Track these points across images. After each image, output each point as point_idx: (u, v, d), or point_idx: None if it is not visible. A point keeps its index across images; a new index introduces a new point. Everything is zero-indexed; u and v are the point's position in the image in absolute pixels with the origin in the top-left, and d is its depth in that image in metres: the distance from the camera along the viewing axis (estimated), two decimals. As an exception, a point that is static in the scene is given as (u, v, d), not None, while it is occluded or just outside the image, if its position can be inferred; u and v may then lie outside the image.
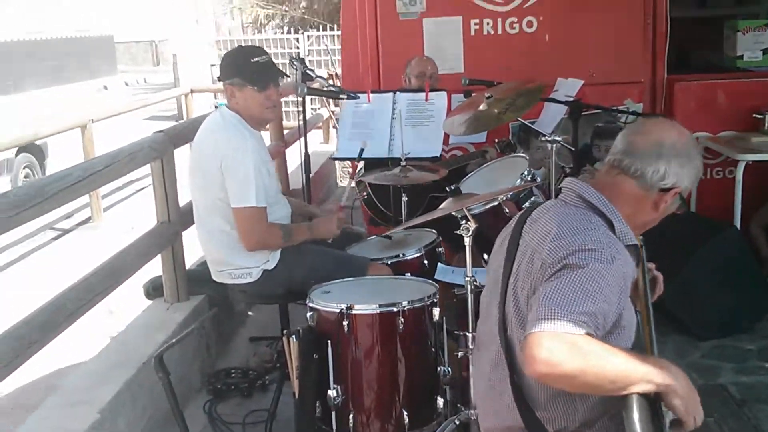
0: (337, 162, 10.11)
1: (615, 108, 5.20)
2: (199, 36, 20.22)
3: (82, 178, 3.28)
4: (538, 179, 4.06)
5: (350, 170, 10.34)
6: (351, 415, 3.25)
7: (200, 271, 4.80)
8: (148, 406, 3.71)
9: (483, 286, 3.20)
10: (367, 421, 3.29)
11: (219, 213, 3.78)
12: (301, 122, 4.58)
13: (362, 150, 4.47)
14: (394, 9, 5.87)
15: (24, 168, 10.22)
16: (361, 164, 5.28)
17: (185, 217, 4.44)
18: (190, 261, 4.81)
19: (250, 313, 5.40)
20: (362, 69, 5.99)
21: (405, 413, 3.23)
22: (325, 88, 4.62)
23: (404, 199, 4.33)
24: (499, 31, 5.86)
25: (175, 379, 3.89)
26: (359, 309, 3.22)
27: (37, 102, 21.87)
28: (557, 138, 4.16)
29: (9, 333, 2.84)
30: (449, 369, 3.37)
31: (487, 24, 5.86)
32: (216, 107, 13.30)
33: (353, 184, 4.54)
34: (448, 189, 3.31)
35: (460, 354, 3.42)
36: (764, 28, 6.03)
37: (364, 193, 5.00)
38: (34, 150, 10.37)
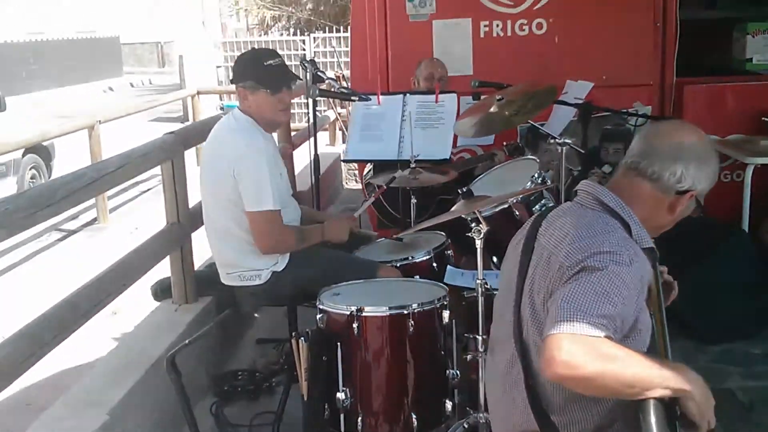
0: (343, 164, 10.14)
1: (625, 111, 5.18)
2: (205, 37, 20.20)
3: (95, 179, 3.28)
4: (549, 182, 4.04)
5: (356, 172, 10.38)
6: (359, 418, 3.25)
7: (208, 272, 4.80)
8: (155, 408, 3.71)
9: (494, 289, 3.24)
10: (376, 424, 3.29)
11: (229, 215, 3.78)
12: (310, 124, 4.58)
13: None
14: (404, 11, 5.86)
15: (30, 169, 10.22)
16: (369, 166, 5.29)
17: (194, 219, 4.44)
18: (198, 263, 4.81)
19: (256, 315, 5.39)
20: (371, 71, 5.98)
21: (414, 416, 3.23)
22: (337, 90, 4.61)
23: (413, 201, 4.32)
24: (509, 33, 5.85)
25: (182, 381, 3.91)
26: (369, 311, 3.22)
27: (43, 103, 22.00)
28: (567, 140, 4.15)
29: (23, 332, 2.84)
30: (458, 372, 3.37)
31: (497, 26, 5.85)
32: (222, 109, 13.34)
33: (370, 201, 4.53)
34: (459, 191, 3.30)
35: (469, 357, 3.43)
36: (774, 30, 6.02)
37: (374, 195, 4.98)
38: (41, 151, 10.38)
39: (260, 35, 20.44)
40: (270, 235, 3.74)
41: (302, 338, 3.36)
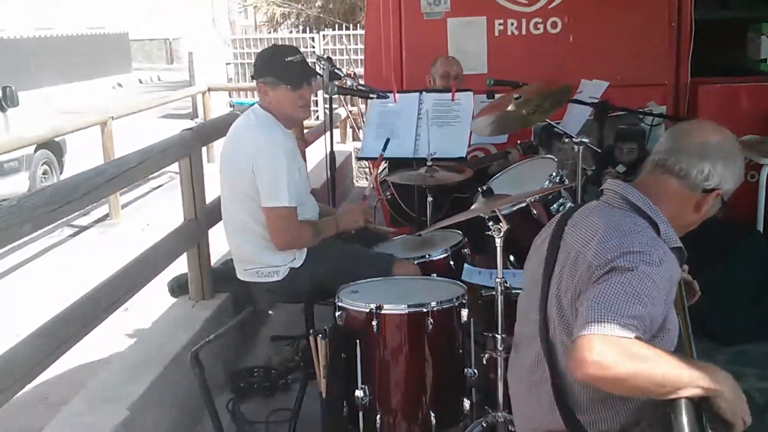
0: (354, 162, 10.15)
1: (641, 110, 5.18)
2: (215, 35, 20.24)
3: (116, 174, 3.30)
4: (566, 181, 4.05)
5: (367, 170, 10.38)
6: (378, 416, 3.25)
7: (224, 269, 4.81)
8: (174, 404, 3.72)
9: (513, 288, 3.25)
10: (394, 422, 3.29)
11: (247, 210, 3.80)
12: (326, 120, 4.59)
13: (388, 140, 4.46)
14: (419, 9, 5.87)
15: (42, 164, 10.26)
16: (384, 164, 5.29)
17: (211, 215, 4.45)
18: (213, 259, 4.82)
19: (270, 312, 5.40)
20: (386, 69, 5.99)
21: (432, 414, 3.23)
22: (354, 87, 4.62)
23: (429, 199, 4.32)
24: (524, 32, 5.85)
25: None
26: (388, 309, 3.22)
27: (52, 99, 22.04)
28: (584, 139, 4.15)
29: (46, 328, 2.86)
30: (476, 371, 3.37)
31: (512, 24, 5.85)
32: (231, 105, 13.36)
33: (375, 177, 4.53)
34: (480, 189, 3.31)
35: (486, 356, 3.43)
36: (789, 31, 6.01)
37: (388, 193, 4.99)
38: (53, 146, 10.42)
39: (269, 32, 20.47)
40: (285, 232, 3.76)
41: (320, 335, 3.38)
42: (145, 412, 3.39)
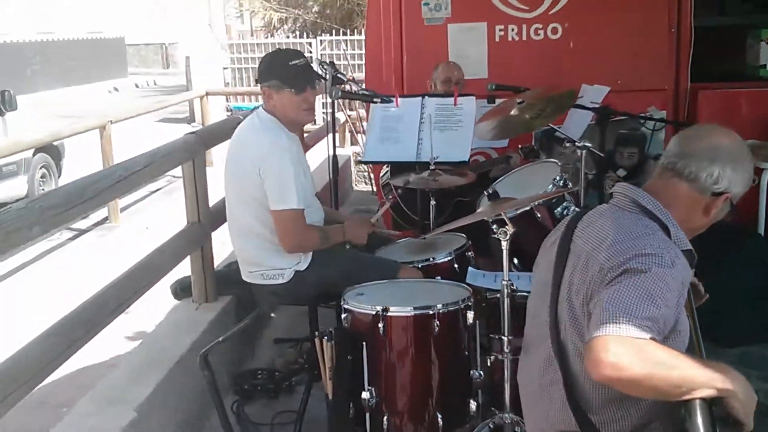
0: (353, 166, 10.17)
1: (642, 115, 5.21)
2: (212, 39, 20.26)
3: (123, 177, 3.32)
4: (569, 185, 4.07)
5: (366, 174, 10.41)
6: (385, 417, 3.26)
7: (227, 271, 4.83)
8: (179, 406, 3.74)
9: (519, 291, 3.27)
10: (401, 423, 3.30)
11: (253, 213, 3.81)
12: (328, 123, 4.61)
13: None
14: (419, 14, 5.89)
15: (41, 168, 10.26)
16: (385, 168, 5.31)
17: (215, 218, 4.47)
18: (216, 262, 4.83)
19: (273, 315, 5.42)
20: (386, 74, 6.02)
21: (439, 416, 3.25)
22: (358, 92, 4.64)
23: (432, 203, 4.34)
24: (524, 38, 5.88)
25: (202, 380, 3.94)
26: (395, 311, 3.24)
27: (48, 103, 22.01)
28: (587, 144, 4.18)
29: (54, 330, 2.87)
30: (481, 372, 3.39)
31: (512, 30, 5.88)
32: (229, 110, 13.34)
33: (387, 206, 4.56)
34: (486, 193, 3.33)
35: (492, 358, 3.45)
36: (789, 37, 6.04)
37: (390, 197, 5.00)
38: (51, 150, 10.42)
39: (266, 37, 20.50)
40: (294, 234, 3.77)
41: (325, 337, 3.39)
42: (151, 413, 3.40)
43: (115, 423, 3.19)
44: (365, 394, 3.25)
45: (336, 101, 4.58)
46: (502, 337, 3.21)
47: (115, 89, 29.60)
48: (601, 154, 4.43)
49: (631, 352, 1.89)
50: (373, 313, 3.24)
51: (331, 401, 3.38)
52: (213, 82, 17.09)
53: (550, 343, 2.28)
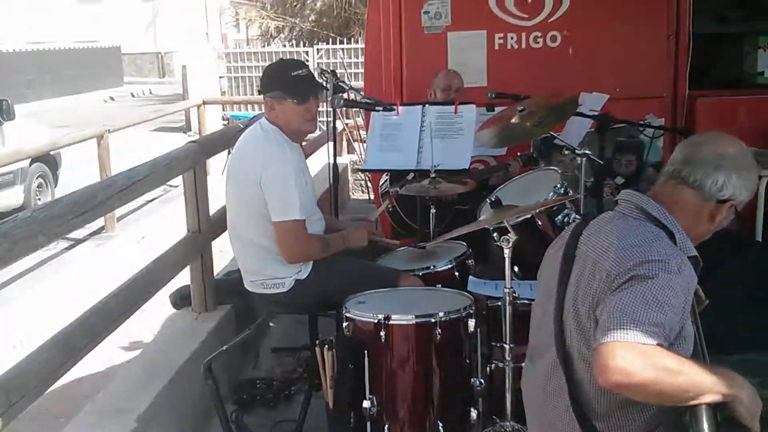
0: (350, 174, 10.17)
1: (642, 123, 5.22)
2: (208, 48, 20.29)
3: (126, 186, 3.33)
4: (570, 192, 4.07)
5: (363, 182, 10.41)
6: (386, 426, 3.25)
7: (226, 280, 4.83)
8: (179, 415, 3.74)
9: (522, 299, 3.27)
10: (402, 431, 3.29)
11: (254, 223, 3.81)
12: (329, 131, 4.61)
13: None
14: (419, 23, 5.90)
15: (37, 178, 10.26)
16: (385, 176, 5.31)
17: (214, 227, 4.47)
18: (214, 271, 4.82)
19: (271, 324, 5.41)
20: (386, 82, 6.02)
21: (440, 424, 3.24)
22: (360, 100, 4.64)
23: (432, 211, 4.34)
24: (523, 46, 5.89)
25: (203, 389, 3.93)
26: (396, 319, 3.23)
27: (44, 112, 22.02)
28: (587, 151, 4.18)
29: (58, 339, 2.87)
30: (482, 380, 3.38)
31: (511, 38, 5.88)
32: (225, 119, 13.31)
33: (386, 206, 4.56)
34: (489, 200, 3.33)
35: (492, 366, 3.45)
36: (786, 44, 6.06)
37: (390, 205, 5.00)
38: (48, 160, 10.41)
39: (263, 46, 20.53)
40: (296, 245, 3.77)
41: (326, 346, 3.39)
42: (152, 423, 3.40)
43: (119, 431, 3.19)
44: (366, 403, 3.23)
45: (326, 110, 4.58)
46: (504, 345, 3.22)
47: (111, 98, 29.61)
48: (601, 162, 4.43)
49: (638, 358, 1.90)
50: (375, 321, 3.23)
51: (332, 410, 3.38)
52: (209, 91, 17.08)
53: (555, 351, 2.27)
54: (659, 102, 5.92)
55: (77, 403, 4.45)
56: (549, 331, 2.32)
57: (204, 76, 17.93)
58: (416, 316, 3.25)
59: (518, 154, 5.26)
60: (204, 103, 13.73)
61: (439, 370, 3.28)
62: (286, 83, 3.80)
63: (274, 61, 16.77)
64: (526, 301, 3.36)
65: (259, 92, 3.95)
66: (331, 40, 18.44)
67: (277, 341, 5.16)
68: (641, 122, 5.20)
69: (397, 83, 5.99)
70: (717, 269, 4.77)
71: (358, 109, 8.94)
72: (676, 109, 5.93)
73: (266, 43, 20.97)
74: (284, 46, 19.13)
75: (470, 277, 3.83)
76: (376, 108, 4.44)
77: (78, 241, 9.12)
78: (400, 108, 4.72)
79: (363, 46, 17.00)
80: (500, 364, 3.32)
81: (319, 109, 4.19)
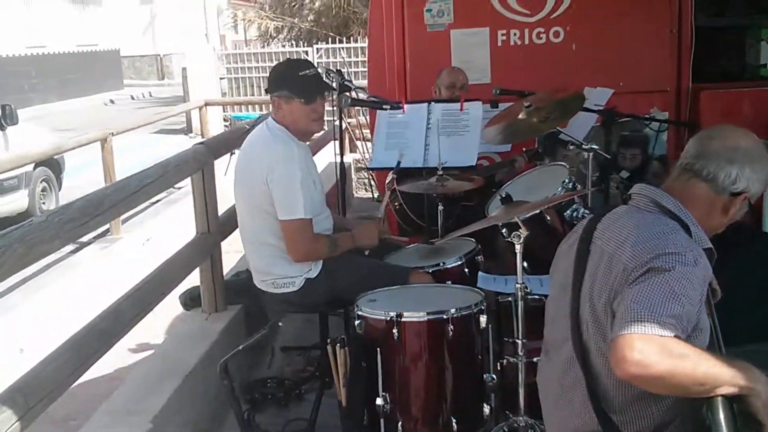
0: (353, 173, 10.18)
1: (648, 117, 5.23)
2: (208, 50, 20.30)
3: (138, 188, 3.35)
4: (578, 187, 4.08)
5: (366, 180, 10.42)
6: (400, 423, 3.26)
7: (235, 281, 4.84)
8: (193, 415, 3.75)
9: (534, 294, 3.28)
10: (416, 428, 3.31)
11: (262, 223, 3.83)
12: (335, 129, 4.63)
13: (399, 162, 4.51)
14: (422, 21, 5.91)
15: (41, 182, 10.26)
16: (391, 174, 5.31)
17: (223, 228, 4.48)
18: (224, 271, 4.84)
19: (280, 324, 5.42)
20: (389, 80, 6.03)
21: (453, 420, 3.25)
22: (367, 99, 4.65)
23: (440, 208, 4.35)
24: (526, 42, 5.90)
25: (215, 389, 3.95)
26: (408, 317, 3.25)
27: (45, 116, 22.03)
28: (594, 146, 4.19)
29: (72, 342, 2.88)
30: (494, 376, 3.40)
31: (514, 35, 5.90)
32: (227, 119, 13.29)
33: (388, 199, 4.56)
34: (500, 196, 3.34)
35: (504, 362, 3.46)
36: (789, 36, 6.07)
37: (396, 203, 5.01)
38: (52, 164, 10.42)
39: (262, 47, 20.54)
40: (302, 244, 3.78)
41: (338, 344, 3.40)
42: (166, 424, 3.41)
43: (134, 433, 3.21)
44: (380, 401, 3.25)
45: (332, 109, 4.59)
46: (516, 341, 3.22)
47: (111, 101, 29.62)
48: (608, 156, 4.44)
49: (655, 350, 1.91)
50: (387, 319, 3.24)
51: (345, 408, 3.39)
52: (210, 93, 17.10)
53: (571, 345, 2.29)
54: (663, 96, 5.93)
55: (87, 406, 4.47)
56: (564, 325, 2.33)
57: (204, 78, 17.94)
58: (428, 313, 3.27)
59: (523, 149, 5.27)
60: (206, 104, 13.75)
61: (452, 366, 3.30)
62: (294, 83, 3.81)
63: (273, 61, 16.98)
64: (537, 297, 3.38)
65: (266, 91, 3.96)
66: (330, 39, 18.45)
67: (286, 340, 5.17)
68: (647, 116, 5.20)
69: (401, 81, 6.01)
70: (724, 261, 4.78)
71: (360, 108, 8.94)
72: (680, 102, 5.94)
73: (265, 44, 20.99)
74: (283, 46, 19.14)
75: (480, 273, 3.83)
76: (384, 107, 4.45)
77: (83, 245, 9.12)
78: (405, 106, 4.73)
79: (363, 45, 17.20)
80: (511, 360, 3.33)
81: (327, 108, 4.21)
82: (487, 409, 3.34)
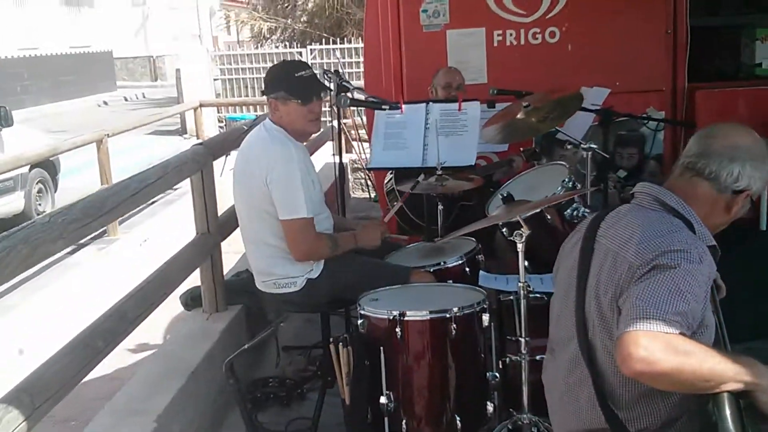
0: (350, 173, 10.19)
1: (645, 116, 5.25)
2: (202, 51, 20.28)
3: (138, 189, 3.36)
4: (579, 186, 4.10)
5: (363, 181, 10.44)
6: (404, 421, 3.28)
7: (235, 281, 4.85)
8: (196, 414, 3.76)
9: (536, 292, 3.30)
10: (419, 426, 3.33)
11: (263, 224, 3.84)
12: (334, 132, 4.64)
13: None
14: (418, 21, 5.91)
15: (37, 183, 10.26)
16: (390, 175, 5.33)
17: (223, 228, 4.49)
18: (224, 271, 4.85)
19: (282, 323, 5.43)
20: (386, 81, 6.03)
21: (457, 418, 3.27)
22: (365, 99, 4.66)
23: (440, 207, 4.37)
24: (522, 42, 5.90)
25: (218, 389, 3.97)
26: (411, 315, 3.27)
27: (38, 118, 21.99)
28: (593, 145, 4.22)
29: (78, 341, 2.89)
30: (497, 374, 3.42)
31: (510, 35, 5.90)
32: (222, 121, 13.25)
33: (397, 205, 4.59)
34: (501, 196, 3.36)
35: (506, 360, 3.48)
36: (783, 35, 6.09)
37: (395, 203, 5.03)
38: (47, 165, 10.43)
39: (255, 47, 20.53)
40: (303, 243, 3.80)
41: (341, 343, 3.42)
42: (170, 424, 3.42)
43: (139, 433, 3.22)
44: (383, 399, 3.27)
45: (330, 109, 4.60)
46: (519, 339, 3.24)
47: (105, 103, 29.59)
48: (606, 156, 4.46)
49: (661, 347, 1.93)
50: (390, 318, 3.27)
51: (349, 407, 3.40)
52: (204, 94, 17.09)
53: (576, 343, 2.31)
54: (659, 95, 5.93)
55: (86, 406, 4.48)
56: (570, 323, 2.35)
57: (198, 79, 17.93)
58: (431, 312, 3.29)
59: (521, 149, 5.29)
60: (201, 105, 13.75)
61: (455, 364, 3.32)
62: (290, 84, 3.83)
63: (266, 62, 16.97)
64: (538, 295, 3.41)
65: (262, 93, 3.98)
66: (323, 40, 18.45)
67: (287, 340, 5.19)
68: (644, 116, 5.23)
69: (397, 82, 6.00)
70: (722, 258, 4.80)
71: (356, 108, 8.95)
72: (676, 101, 5.94)
73: (259, 45, 20.98)
74: (277, 47, 19.14)
75: (481, 272, 3.85)
76: (382, 107, 4.46)
77: (80, 245, 9.11)
78: (403, 106, 4.74)
79: (356, 46, 17.19)
80: (514, 358, 3.36)
81: (325, 108, 4.23)
82: (490, 407, 3.36)
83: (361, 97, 4.60)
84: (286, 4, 21.31)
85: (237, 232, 4.48)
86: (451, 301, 3.35)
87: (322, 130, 8.82)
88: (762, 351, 4.65)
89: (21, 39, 26.40)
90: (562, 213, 3.94)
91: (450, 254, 4.04)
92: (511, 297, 3.54)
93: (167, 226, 9.20)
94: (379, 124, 4.82)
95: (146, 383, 3.66)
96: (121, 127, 10.80)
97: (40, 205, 10.29)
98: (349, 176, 10.31)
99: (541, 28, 5.90)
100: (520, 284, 3.20)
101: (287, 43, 19.03)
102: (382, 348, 3.27)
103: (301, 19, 20.72)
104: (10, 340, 6.00)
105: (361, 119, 10.08)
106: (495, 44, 5.94)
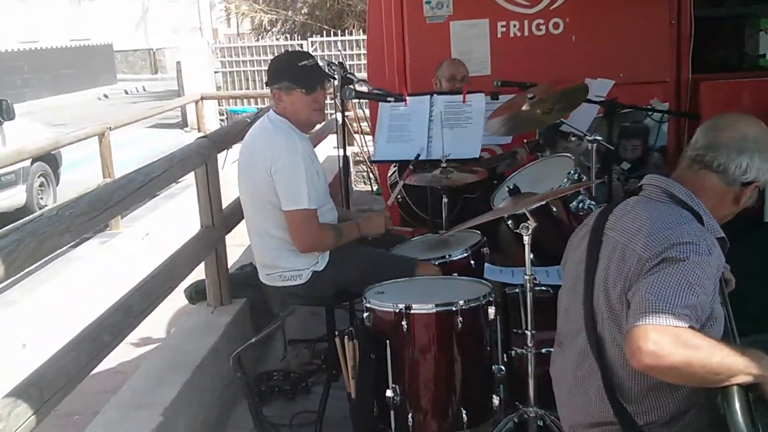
0: (352, 166, 10.16)
1: (649, 108, 5.23)
2: (202, 43, 20.25)
3: (144, 183, 3.36)
4: (584, 178, 4.09)
5: (365, 174, 10.42)
6: (410, 414, 3.28)
7: (240, 274, 4.84)
8: (202, 408, 3.76)
9: (542, 285, 3.30)
10: (426, 420, 3.32)
11: (267, 216, 3.83)
12: (338, 125, 4.63)
13: (419, 155, 4.52)
14: (421, 13, 5.90)
15: (39, 177, 10.26)
16: (393, 167, 5.32)
17: (227, 221, 4.49)
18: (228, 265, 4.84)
19: (288, 317, 5.43)
20: (389, 73, 6.02)
21: (463, 411, 3.27)
22: (370, 91, 4.64)
23: (444, 200, 4.36)
24: (526, 33, 5.89)
25: (223, 382, 3.97)
26: (417, 309, 3.26)
27: (39, 111, 21.98)
28: (597, 137, 4.21)
29: (84, 335, 2.89)
30: (503, 367, 3.41)
31: (514, 26, 5.90)
32: (223, 114, 13.20)
33: (399, 186, 4.58)
34: (507, 188, 3.35)
35: (512, 353, 3.48)
36: (788, 26, 6.07)
37: (399, 196, 5.01)
38: (49, 159, 10.42)
39: (256, 40, 20.50)
40: (307, 234, 3.79)
41: (346, 336, 3.41)
42: (176, 416, 3.42)
43: (144, 427, 3.21)
44: (389, 392, 3.26)
45: (333, 102, 4.58)
46: (525, 332, 3.24)
47: (105, 96, 29.57)
48: (611, 147, 4.45)
49: (670, 340, 1.93)
50: (396, 311, 3.26)
51: (355, 400, 3.40)
52: (204, 87, 17.08)
53: (585, 336, 2.30)
54: (663, 86, 5.92)
55: (90, 400, 4.48)
56: (578, 316, 2.34)
57: (199, 72, 17.91)
58: (437, 305, 3.27)
59: (525, 141, 5.28)
60: (202, 98, 13.73)
61: (461, 357, 3.31)
62: (294, 74, 3.82)
63: (267, 54, 16.94)
64: (543, 288, 3.40)
65: (266, 84, 3.97)
66: (324, 32, 18.42)
67: (292, 333, 5.18)
68: (648, 107, 5.22)
69: (401, 74, 6.01)
70: (733, 248, 4.79)
71: (358, 101, 8.93)
72: (680, 93, 5.94)
73: (259, 37, 20.95)
74: (277, 39, 19.11)
75: (486, 265, 3.84)
76: (387, 99, 4.45)
77: (83, 239, 9.11)
78: (408, 98, 4.73)
79: (357, 38, 17.16)
80: (519, 351, 3.35)
81: (329, 101, 4.22)
82: (496, 400, 3.36)
83: (365, 89, 4.57)
84: (286, -4, 21.30)
85: (240, 226, 4.47)
86: (457, 294, 3.34)
87: (332, 118, 8.83)
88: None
89: (21, 32, 26.36)
90: (568, 205, 3.93)
91: (455, 247, 4.03)
92: (517, 290, 3.52)
93: (169, 219, 9.20)
94: (383, 117, 4.81)
95: (151, 377, 3.65)
96: (123, 120, 10.77)
97: (41, 198, 10.29)
98: (352, 169, 10.28)
99: (545, 20, 5.90)
100: (527, 277, 3.19)
101: (288, 36, 19.01)
102: (387, 341, 3.26)
103: (302, 11, 20.68)
104: (13, 335, 6.00)
105: (363, 112, 10.05)
106: (499, 35, 5.94)
